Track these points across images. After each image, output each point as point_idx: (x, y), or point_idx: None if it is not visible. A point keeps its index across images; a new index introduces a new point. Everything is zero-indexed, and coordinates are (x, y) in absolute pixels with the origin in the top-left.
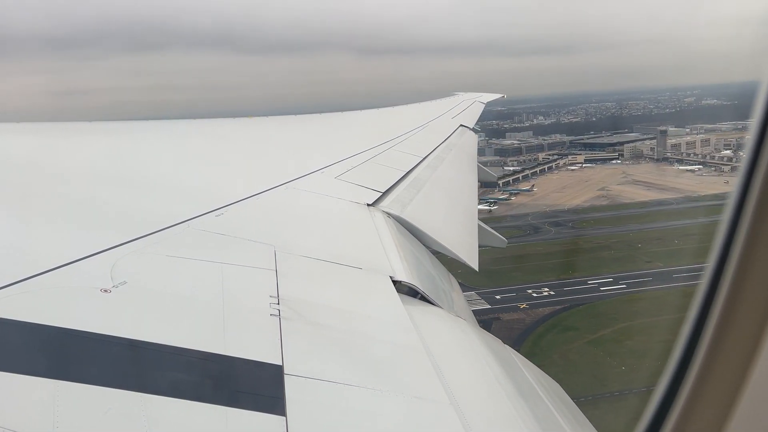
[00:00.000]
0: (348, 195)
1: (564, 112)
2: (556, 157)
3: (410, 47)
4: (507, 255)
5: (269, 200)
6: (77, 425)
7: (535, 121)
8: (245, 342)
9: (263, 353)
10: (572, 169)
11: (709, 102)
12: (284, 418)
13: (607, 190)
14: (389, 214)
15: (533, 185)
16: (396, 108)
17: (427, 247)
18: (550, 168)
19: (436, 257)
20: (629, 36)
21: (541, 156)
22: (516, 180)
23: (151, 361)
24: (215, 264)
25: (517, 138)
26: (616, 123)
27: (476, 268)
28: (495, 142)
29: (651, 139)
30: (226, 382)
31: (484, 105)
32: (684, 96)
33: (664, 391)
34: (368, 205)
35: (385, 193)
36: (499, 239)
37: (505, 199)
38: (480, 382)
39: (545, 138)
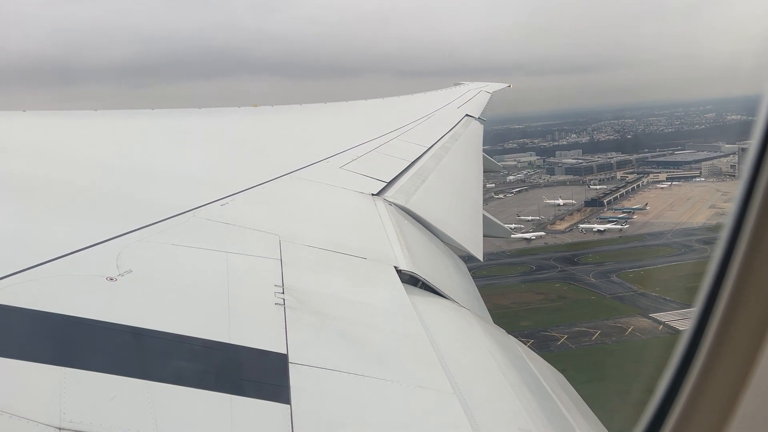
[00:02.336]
0: (353, 185)
1: (590, 129)
2: (635, 175)
3: (442, 69)
4: (695, 273)
5: (274, 190)
6: (83, 412)
7: (568, 140)
8: (250, 331)
9: (268, 342)
10: (661, 187)
11: (734, 117)
12: (288, 406)
13: (719, 208)
14: (394, 204)
15: (646, 204)
16: (401, 98)
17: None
18: (638, 186)
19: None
20: (639, 54)
21: (618, 174)
22: (616, 199)
23: (156, 349)
24: (220, 253)
25: (572, 156)
26: (656, 139)
27: (481, 259)
28: (555, 161)
29: (722, 156)
30: (231, 370)
31: (489, 95)
32: (703, 111)
33: (665, 391)
34: (373, 195)
35: (389, 183)
36: (504, 230)
37: (627, 218)
38: (483, 372)
39: (608, 156)
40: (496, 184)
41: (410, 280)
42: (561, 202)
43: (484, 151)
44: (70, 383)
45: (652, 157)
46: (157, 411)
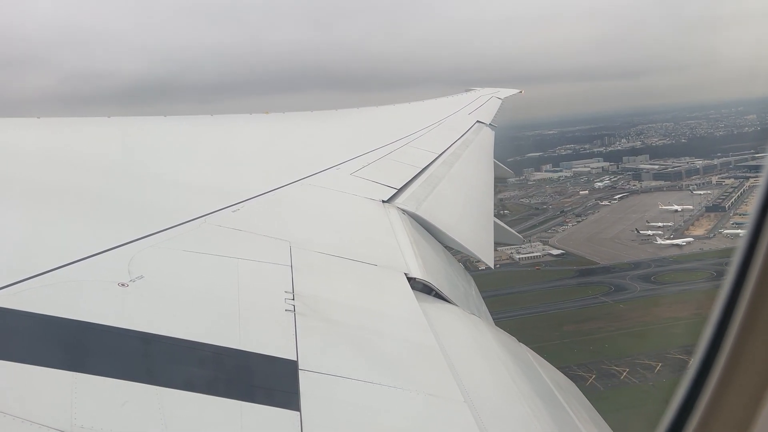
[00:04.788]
0: (363, 191)
1: (633, 133)
2: (733, 180)
3: (496, 78)
4: None
5: (285, 196)
6: (94, 417)
7: (623, 145)
8: (260, 337)
9: (278, 348)
10: None
11: None
12: (298, 413)
13: None
14: (405, 211)
15: None
16: (412, 104)
17: (443, 245)
18: (744, 191)
19: (452, 255)
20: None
21: (713, 179)
22: (733, 204)
23: (167, 354)
24: (231, 259)
25: (643, 162)
26: (716, 143)
27: (492, 266)
28: (632, 166)
29: None
30: (240, 376)
31: (501, 101)
32: (739, 113)
33: (686, 392)
34: (383, 201)
35: (400, 190)
36: (516, 237)
37: None
38: (495, 380)
39: (688, 161)
40: (589, 191)
41: (420, 287)
42: (679, 208)
43: (534, 156)
44: (81, 388)
45: (735, 162)
46: (167, 417)
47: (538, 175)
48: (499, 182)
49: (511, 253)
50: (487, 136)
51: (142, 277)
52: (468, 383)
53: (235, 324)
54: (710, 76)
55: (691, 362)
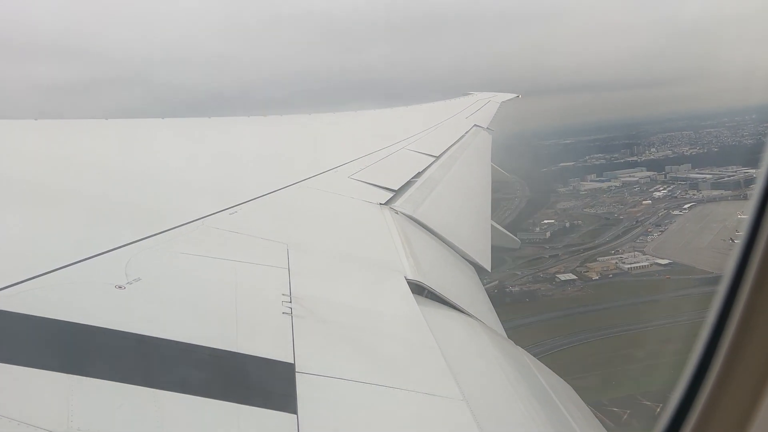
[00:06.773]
0: (361, 194)
1: (658, 141)
2: None
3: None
4: None
5: (282, 199)
6: (91, 419)
7: (651, 155)
8: (257, 340)
9: (275, 351)
10: None
11: None
12: (295, 416)
13: None
14: (402, 214)
15: None
16: (410, 108)
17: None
18: None
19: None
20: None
21: None
22: None
23: (163, 357)
24: (228, 262)
25: (693, 171)
26: (750, 151)
27: (488, 269)
28: (680, 176)
29: None
30: (238, 379)
31: (498, 105)
32: (757, 120)
33: (684, 392)
34: (381, 204)
35: (398, 193)
36: (513, 240)
37: None
38: (491, 381)
39: (741, 170)
40: (652, 201)
41: (419, 289)
42: None
43: (568, 166)
44: (78, 391)
45: None
46: (164, 419)
47: (586, 185)
48: (546, 194)
49: (616, 262)
50: (485, 140)
51: (139, 279)
52: (465, 384)
53: (233, 327)
54: (710, 82)
55: (689, 362)
